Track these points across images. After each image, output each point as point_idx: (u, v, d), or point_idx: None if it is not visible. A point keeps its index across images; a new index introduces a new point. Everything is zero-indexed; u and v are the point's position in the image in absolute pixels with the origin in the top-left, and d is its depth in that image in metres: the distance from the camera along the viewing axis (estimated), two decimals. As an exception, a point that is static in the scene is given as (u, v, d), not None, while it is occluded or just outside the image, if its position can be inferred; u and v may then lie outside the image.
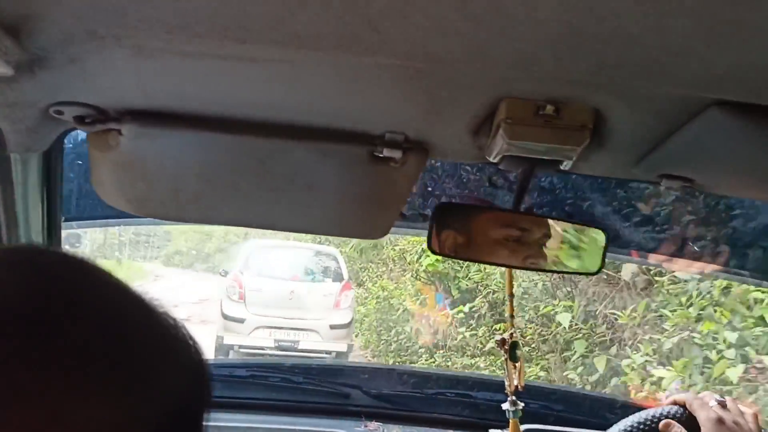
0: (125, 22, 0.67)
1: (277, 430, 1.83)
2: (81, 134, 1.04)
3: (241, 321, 7.82)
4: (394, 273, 9.62)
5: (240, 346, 7.72)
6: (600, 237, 1.07)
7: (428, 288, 8.72)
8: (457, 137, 0.93)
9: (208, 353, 10.29)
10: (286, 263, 8.68)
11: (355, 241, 8.79)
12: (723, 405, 1.14)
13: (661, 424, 1.21)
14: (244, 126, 0.93)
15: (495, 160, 0.94)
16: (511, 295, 1.20)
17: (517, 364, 1.24)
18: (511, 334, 1.22)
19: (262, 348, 7.62)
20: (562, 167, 0.96)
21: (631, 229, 1.71)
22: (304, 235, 9.39)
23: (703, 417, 1.16)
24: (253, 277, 8.22)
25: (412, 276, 9.07)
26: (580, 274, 1.09)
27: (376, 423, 1.86)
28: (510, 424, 1.32)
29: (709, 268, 1.83)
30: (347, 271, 8.90)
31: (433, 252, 1.00)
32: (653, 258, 1.73)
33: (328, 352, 7.77)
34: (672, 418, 1.20)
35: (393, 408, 1.94)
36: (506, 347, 1.22)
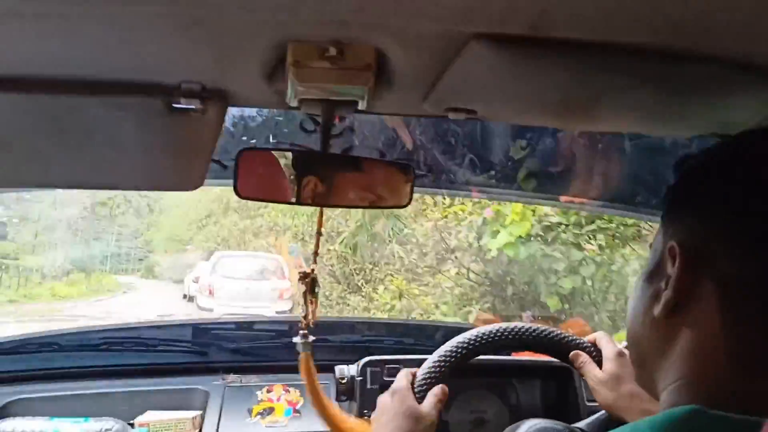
0: None
1: (136, 392, 1.83)
2: None
3: (210, 310, 10.58)
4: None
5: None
6: (408, 172, 1.14)
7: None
8: (253, 84, 0.95)
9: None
10: (243, 267, 11.80)
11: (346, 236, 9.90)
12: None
13: (571, 354, 1.35)
14: (32, 84, 0.90)
15: (294, 104, 0.98)
16: (319, 233, 1.26)
17: (314, 299, 1.29)
18: (313, 269, 1.28)
19: None
20: (359, 107, 1.01)
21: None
22: (258, 245, 12.96)
23: (606, 351, 1.31)
24: (219, 278, 11.29)
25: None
26: (391, 207, 1.16)
27: (234, 375, 1.90)
28: (301, 358, 1.36)
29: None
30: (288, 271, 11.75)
31: (240, 196, 1.03)
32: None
33: None
34: (582, 350, 1.33)
35: (251, 359, 1.98)
36: (308, 281, 1.26)
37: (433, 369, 1.31)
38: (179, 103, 0.95)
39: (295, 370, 1.92)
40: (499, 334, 1.38)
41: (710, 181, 0.68)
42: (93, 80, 0.92)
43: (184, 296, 14.67)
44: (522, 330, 1.41)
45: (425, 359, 1.44)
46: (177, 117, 0.98)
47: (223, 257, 12.41)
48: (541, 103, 1.00)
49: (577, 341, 1.38)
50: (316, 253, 1.26)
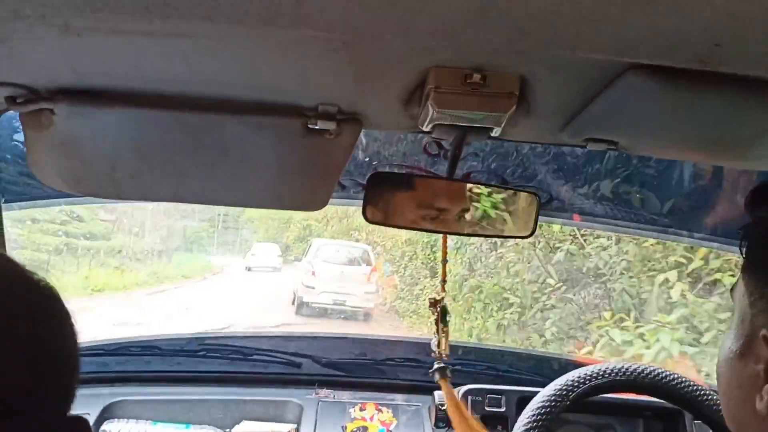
0: (50, 0, 0.66)
1: (230, 401, 1.85)
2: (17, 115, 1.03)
3: (312, 287, 12.74)
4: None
5: (313, 303, 12.60)
6: (533, 201, 1.11)
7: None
8: (389, 107, 0.95)
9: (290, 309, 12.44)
10: (339, 253, 13.85)
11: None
12: None
13: None
14: (176, 102, 0.93)
15: (427, 129, 0.97)
16: (445, 261, 1.23)
17: (446, 328, 1.27)
18: (443, 297, 1.25)
19: (325, 304, 12.46)
20: (492, 134, 0.99)
21: (571, 193, 1.76)
22: (350, 235, 14.99)
23: None
24: (319, 261, 13.24)
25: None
26: (514, 237, 1.13)
27: (327, 390, 1.89)
28: (442, 385, 1.35)
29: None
30: (374, 259, 13.91)
31: (368, 221, 1.02)
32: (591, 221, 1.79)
33: (362, 308, 12.62)
34: (701, 396, 1.28)
35: (344, 375, 1.98)
36: (438, 309, 1.24)
37: (544, 406, 1.27)
38: (315, 125, 0.96)
39: (385, 388, 1.93)
40: (613, 373, 1.33)
41: None
42: (234, 100, 0.93)
43: (247, 268, 19.70)
44: (637, 371, 1.35)
45: (529, 391, 1.41)
46: (312, 138, 0.98)
47: (323, 245, 14.44)
48: (693, 138, 0.95)
49: (695, 387, 1.32)
50: (443, 281, 1.24)
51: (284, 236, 21.84)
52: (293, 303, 13.31)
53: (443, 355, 1.29)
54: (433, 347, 1.29)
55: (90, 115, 0.95)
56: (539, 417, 1.27)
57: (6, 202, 1.41)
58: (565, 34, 0.69)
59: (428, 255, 11.59)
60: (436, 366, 1.33)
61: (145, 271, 17.74)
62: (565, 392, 1.29)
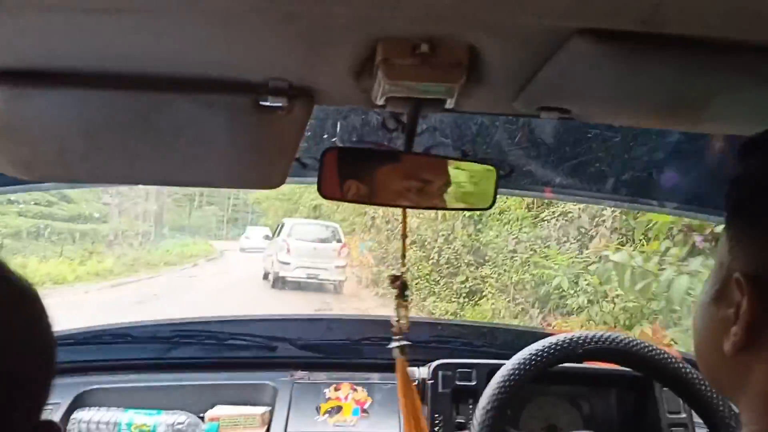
0: None
1: (205, 386, 1.85)
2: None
3: (288, 263, 14.28)
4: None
5: (288, 278, 14.30)
6: (491, 173, 1.11)
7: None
8: (340, 81, 0.94)
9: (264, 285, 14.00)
10: (311, 231, 15.66)
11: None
12: None
13: None
14: (122, 81, 0.91)
15: (380, 102, 0.96)
16: (405, 236, 1.23)
17: (405, 302, 1.25)
18: (403, 273, 1.25)
19: (300, 278, 14.20)
20: (446, 106, 0.98)
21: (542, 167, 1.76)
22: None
23: None
24: (293, 240, 14.72)
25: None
26: (474, 209, 1.13)
27: (302, 372, 1.89)
28: (397, 364, 1.33)
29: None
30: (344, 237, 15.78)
31: (325, 197, 1.01)
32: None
33: (334, 281, 14.49)
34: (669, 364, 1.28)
35: (319, 356, 1.98)
36: (398, 285, 1.23)
37: (509, 377, 1.28)
38: (266, 101, 0.95)
39: (362, 368, 1.93)
40: (579, 341, 1.34)
41: None
42: (183, 77, 0.91)
43: (241, 249, 22.36)
44: (603, 338, 1.35)
45: (499, 364, 1.41)
46: (263, 115, 0.97)
47: (296, 224, 16.24)
48: (644, 103, 0.95)
49: (662, 354, 1.33)
50: (403, 257, 1.23)
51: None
52: (265, 278, 15.47)
53: (402, 331, 1.27)
54: (393, 323, 1.27)
55: (34, 97, 0.93)
56: (504, 388, 1.28)
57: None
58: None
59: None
60: (394, 343, 1.30)
61: (126, 258, 17.82)
62: (529, 362, 1.30)
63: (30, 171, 1.09)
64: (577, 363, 1.63)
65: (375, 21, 0.78)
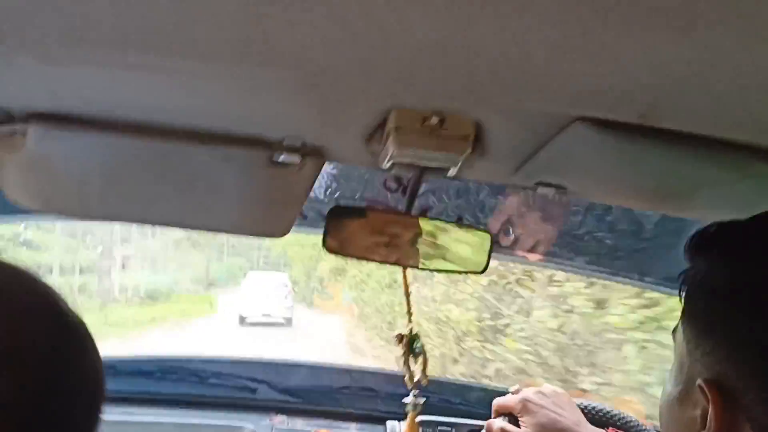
0: (29, 29, 0.69)
1: (184, 425, 1.85)
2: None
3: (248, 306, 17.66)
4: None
5: (248, 318, 17.42)
6: (485, 238, 1.16)
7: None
8: (351, 144, 0.99)
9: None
10: (266, 280, 18.77)
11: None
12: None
13: (486, 425, 1.23)
14: (146, 129, 0.96)
15: (387, 166, 1.01)
16: (407, 293, 1.27)
17: (418, 358, 1.30)
18: (411, 329, 1.29)
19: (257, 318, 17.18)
20: (448, 174, 1.04)
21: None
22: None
23: (511, 404, 1.19)
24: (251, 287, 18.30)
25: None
26: (467, 273, 1.17)
27: (281, 416, 1.90)
28: (408, 417, 1.38)
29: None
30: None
31: (328, 251, 1.05)
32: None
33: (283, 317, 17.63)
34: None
35: (299, 402, 1.99)
36: (405, 342, 1.27)
37: None
38: (280, 158, 0.99)
39: (341, 417, 1.94)
40: None
41: (739, 314, 0.62)
42: (202, 130, 0.96)
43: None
44: (580, 407, 1.38)
45: (479, 425, 1.44)
46: (276, 170, 1.02)
47: (254, 275, 19.59)
48: (636, 187, 1.01)
49: (638, 426, 1.35)
50: (409, 313, 1.28)
51: (318, 267, 22.07)
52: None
53: (415, 387, 1.32)
54: (406, 381, 1.32)
55: (62, 138, 0.98)
56: None
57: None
58: (514, 84, 0.74)
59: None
60: (413, 398, 1.37)
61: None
62: None
63: (48, 205, 1.14)
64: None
65: (391, 93, 0.83)
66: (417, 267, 1.12)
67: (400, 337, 1.28)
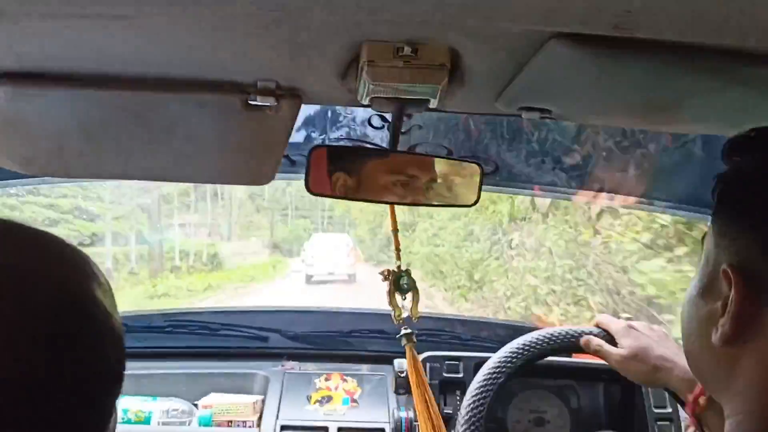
0: None
1: (197, 375, 1.88)
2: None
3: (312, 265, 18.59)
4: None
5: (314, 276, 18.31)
6: (475, 170, 1.13)
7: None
8: (326, 82, 0.96)
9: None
10: (329, 241, 19.72)
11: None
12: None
13: (582, 341, 1.32)
14: (117, 82, 0.94)
15: (365, 102, 0.99)
16: (395, 230, 1.26)
17: (407, 294, 1.30)
18: (398, 266, 1.28)
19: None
20: (430, 106, 1.01)
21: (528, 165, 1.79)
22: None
23: (614, 327, 1.30)
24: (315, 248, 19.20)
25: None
26: (458, 206, 1.15)
27: (293, 362, 1.92)
28: (406, 352, 1.39)
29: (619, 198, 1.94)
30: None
31: (312, 193, 1.03)
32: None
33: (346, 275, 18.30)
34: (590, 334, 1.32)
35: (310, 347, 2.01)
36: (391, 278, 1.27)
37: (495, 370, 1.31)
38: (255, 101, 0.98)
39: (351, 359, 1.96)
40: (561, 336, 1.36)
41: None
42: (174, 78, 0.94)
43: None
44: (589, 333, 1.38)
45: (486, 357, 1.44)
46: (252, 114, 1.00)
47: (317, 236, 20.77)
48: (620, 104, 0.98)
49: (582, 330, 1.35)
50: (397, 250, 1.27)
51: (384, 224, 22.42)
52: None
53: (402, 322, 1.34)
54: (393, 317, 1.33)
55: (34, 96, 0.97)
56: (491, 381, 1.30)
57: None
58: (484, 4, 0.71)
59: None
60: (402, 332, 1.38)
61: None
62: (516, 355, 1.33)
63: (29, 166, 1.13)
64: (564, 356, 1.67)
65: (358, 25, 0.81)
66: (406, 203, 1.10)
67: (386, 274, 1.28)
